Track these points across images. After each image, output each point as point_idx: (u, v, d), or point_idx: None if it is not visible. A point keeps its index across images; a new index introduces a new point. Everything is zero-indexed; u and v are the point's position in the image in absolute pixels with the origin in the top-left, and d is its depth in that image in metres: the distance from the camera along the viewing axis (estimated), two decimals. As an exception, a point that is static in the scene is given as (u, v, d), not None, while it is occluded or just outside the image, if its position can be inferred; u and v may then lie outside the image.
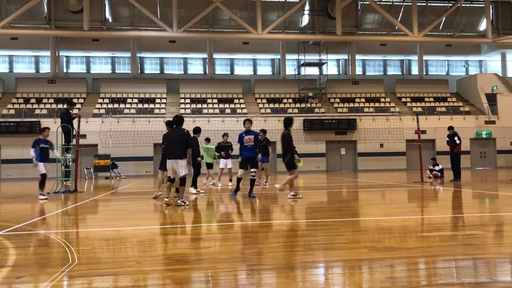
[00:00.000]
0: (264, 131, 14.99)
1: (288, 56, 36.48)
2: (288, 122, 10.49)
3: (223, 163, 15.30)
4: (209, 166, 15.80)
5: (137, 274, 3.77)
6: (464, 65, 41.05)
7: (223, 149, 15.13)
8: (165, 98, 33.56)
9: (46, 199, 11.07)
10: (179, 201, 8.97)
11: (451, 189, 12.36)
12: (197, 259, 4.31)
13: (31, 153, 11.38)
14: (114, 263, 4.20)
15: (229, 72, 38.09)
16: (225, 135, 15.45)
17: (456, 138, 15.81)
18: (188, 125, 9.29)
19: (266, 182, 15.24)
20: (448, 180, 15.85)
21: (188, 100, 33.28)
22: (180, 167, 9.02)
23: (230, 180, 15.44)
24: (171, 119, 11.44)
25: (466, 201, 9.24)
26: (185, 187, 9.23)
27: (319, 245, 4.89)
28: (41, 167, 11.57)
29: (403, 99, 35.72)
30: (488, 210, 7.96)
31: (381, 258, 4.17)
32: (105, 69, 36.84)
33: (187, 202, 9.04)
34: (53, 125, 26.34)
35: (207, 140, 15.57)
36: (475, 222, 6.43)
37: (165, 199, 9.06)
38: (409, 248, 4.60)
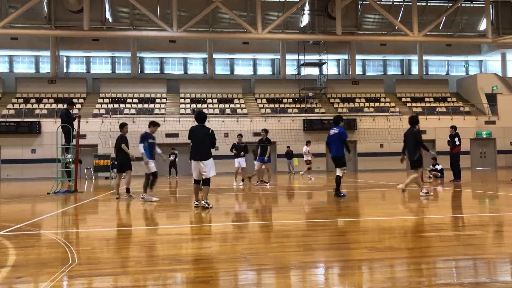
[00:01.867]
0: (266, 131, 15.12)
1: (288, 56, 36.48)
2: (415, 120, 10.41)
3: (237, 162, 15.45)
4: None
5: (137, 274, 3.77)
6: (464, 65, 41.04)
7: (238, 149, 15.29)
8: (165, 98, 33.56)
9: (158, 200, 10.15)
10: (202, 202, 8.50)
11: (451, 189, 12.36)
12: (197, 259, 4.31)
13: (141, 149, 10.24)
14: (114, 263, 4.20)
15: (229, 72, 38.09)
16: (239, 135, 15.68)
17: (456, 139, 15.81)
18: (188, 125, 9.14)
19: (267, 183, 15.25)
20: (448, 180, 15.85)
21: (188, 100, 33.28)
22: (207, 168, 8.44)
23: (243, 180, 15.53)
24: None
25: (466, 201, 9.24)
26: (209, 188, 8.86)
27: (319, 245, 4.89)
28: (153, 165, 10.40)
29: (403, 99, 35.71)
30: (488, 210, 7.96)
31: (381, 258, 4.17)
32: (105, 69, 36.84)
33: (211, 205, 8.52)
34: (53, 125, 26.38)
35: None
36: (475, 222, 6.43)
37: (195, 203, 8.59)
38: (409, 248, 4.60)
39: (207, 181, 8.67)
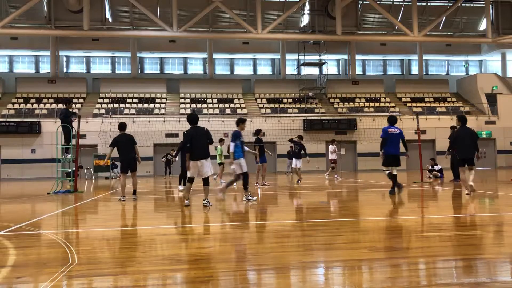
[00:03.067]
0: (258, 131, 15.08)
1: (288, 56, 36.47)
2: (466, 120, 10.79)
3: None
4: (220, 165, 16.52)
5: (137, 274, 3.77)
6: (464, 65, 41.04)
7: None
8: (165, 98, 33.56)
9: (255, 200, 9.71)
10: (204, 201, 8.71)
11: (451, 189, 12.36)
12: (197, 259, 4.31)
13: (231, 148, 9.66)
14: (114, 263, 4.20)
15: (229, 72, 38.08)
16: None
17: (454, 139, 15.79)
18: (188, 125, 9.14)
19: (263, 182, 15.26)
20: (447, 180, 15.85)
21: (188, 100, 33.28)
22: (205, 167, 8.70)
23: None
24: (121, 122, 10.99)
25: (466, 201, 9.24)
26: (209, 187, 9.05)
27: (319, 245, 4.89)
28: (245, 164, 9.81)
29: (403, 99, 35.71)
30: (488, 210, 7.96)
31: (381, 258, 4.17)
32: (105, 69, 36.83)
33: (211, 203, 8.72)
34: (53, 125, 26.37)
35: (220, 141, 16.49)
36: (475, 222, 6.43)
37: (186, 201, 8.81)
38: (409, 248, 4.60)
39: (207, 181, 8.90)
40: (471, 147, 10.34)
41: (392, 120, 10.75)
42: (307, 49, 34.22)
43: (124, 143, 10.60)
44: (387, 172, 10.64)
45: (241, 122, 10.04)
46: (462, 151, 10.40)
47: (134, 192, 10.82)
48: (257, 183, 15.17)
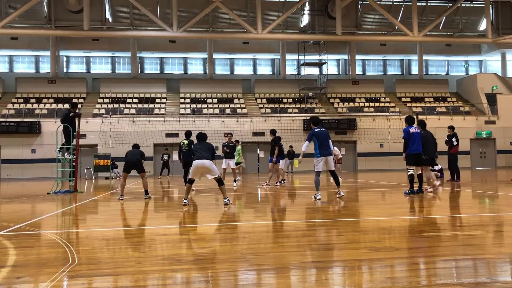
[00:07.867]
0: (272, 132, 15.14)
1: (288, 56, 36.48)
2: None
3: (225, 163, 15.21)
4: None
5: (137, 274, 3.77)
6: (464, 65, 41.04)
7: (228, 149, 15.19)
8: (165, 98, 33.56)
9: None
10: (225, 200, 9.04)
11: (451, 189, 12.37)
12: (197, 259, 4.31)
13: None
14: (114, 263, 4.20)
15: (229, 72, 38.09)
16: (229, 134, 15.55)
17: (454, 139, 15.80)
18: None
19: (276, 182, 15.27)
20: (446, 180, 15.84)
21: (188, 100, 33.29)
22: (211, 169, 8.99)
23: (235, 181, 15.42)
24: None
25: (465, 201, 9.24)
26: (224, 186, 9.31)
27: (319, 245, 4.89)
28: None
29: (403, 99, 35.72)
30: (488, 210, 7.96)
31: (381, 258, 4.17)
32: (105, 69, 36.82)
33: (231, 201, 9.07)
34: (53, 125, 26.38)
35: (237, 141, 17.01)
36: (475, 222, 6.43)
37: (184, 200, 9.14)
38: (409, 248, 4.60)
39: (220, 181, 9.20)
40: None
41: (410, 120, 10.85)
42: (307, 49, 34.23)
43: (134, 153, 11.05)
44: (409, 172, 10.73)
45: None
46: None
47: (146, 192, 10.99)
48: (266, 183, 15.22)
